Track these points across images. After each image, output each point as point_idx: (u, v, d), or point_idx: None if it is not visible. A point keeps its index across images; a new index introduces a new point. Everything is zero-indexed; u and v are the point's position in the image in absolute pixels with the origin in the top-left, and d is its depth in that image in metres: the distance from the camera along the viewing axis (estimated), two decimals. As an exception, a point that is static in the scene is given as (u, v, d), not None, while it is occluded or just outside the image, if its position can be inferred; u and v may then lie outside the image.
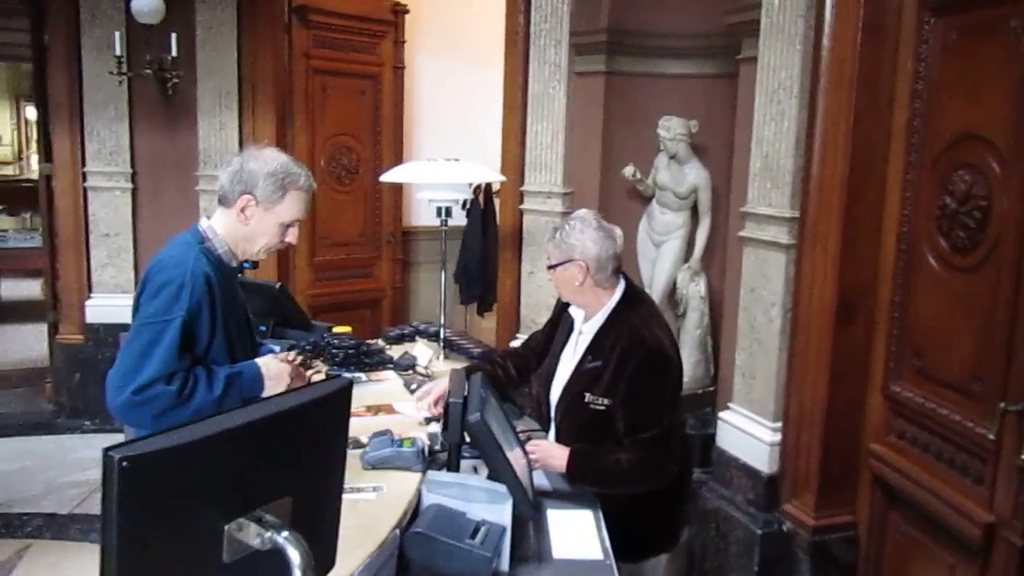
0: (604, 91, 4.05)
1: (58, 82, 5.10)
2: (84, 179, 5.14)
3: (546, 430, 2.58)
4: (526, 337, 3.00)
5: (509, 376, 2.70)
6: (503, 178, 3.77)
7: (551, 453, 2.32)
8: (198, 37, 4.98)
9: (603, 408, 2.30)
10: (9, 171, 13.03)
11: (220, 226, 2.08)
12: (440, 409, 2.44)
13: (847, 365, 2.95)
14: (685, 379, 3.83)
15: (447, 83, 6.14)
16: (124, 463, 0.94)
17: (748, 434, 3.28)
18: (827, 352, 2.96)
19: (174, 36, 4.80)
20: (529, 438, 2.72)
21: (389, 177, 3.23)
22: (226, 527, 1.07)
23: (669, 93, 3.99)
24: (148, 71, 4.86)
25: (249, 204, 2.03)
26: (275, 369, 2.09)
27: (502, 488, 1.98)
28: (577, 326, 2.47)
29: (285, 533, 1.10)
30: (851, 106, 2.83)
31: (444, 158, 3.09)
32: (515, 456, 2.10)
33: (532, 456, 2.29)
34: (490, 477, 2.09)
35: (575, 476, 2.29)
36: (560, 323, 2.57)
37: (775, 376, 3.17)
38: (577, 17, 4.07)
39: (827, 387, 2.97)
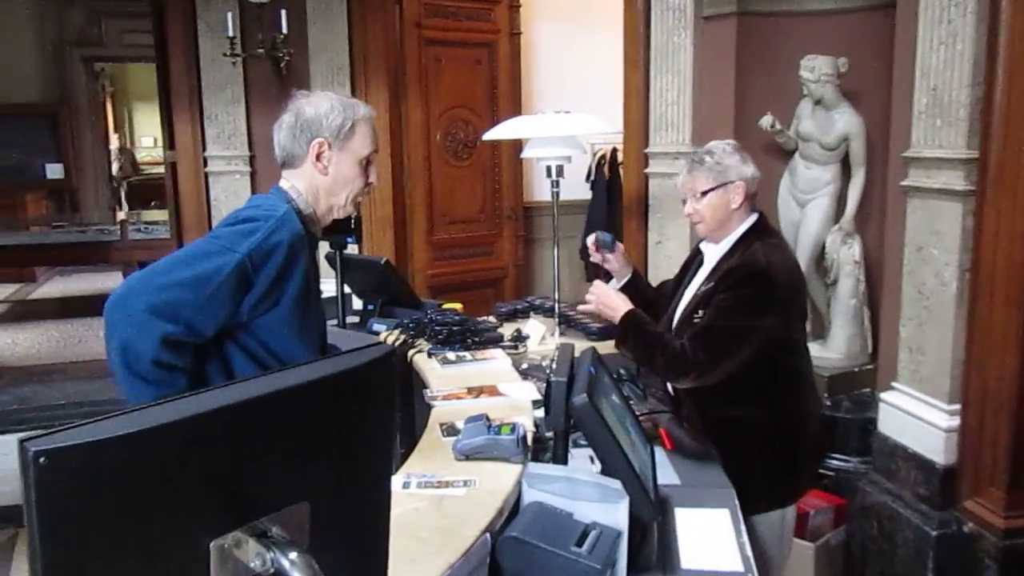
0: (736, 35, 3.60)
1: (178, 69, 5.09)
2: (205, 164, 5.12)
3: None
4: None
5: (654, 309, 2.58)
6: (619, 130, 3.41)
7: (611, 300, 2.35)
8: (308, 13, 4.86)
9: (699, 320, 2.21)
10: (161, 170, 13.66)
11: (300, 186, 1.83)
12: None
13: (1045, 335, 2.44)
14: (839, 355, 3.43)
15: (567, 48, 5.78)
16: (42, 460, 0.67)
17: (918, 418, 2.80)
18: (1018, 320, 2.46)
19: (284, 13, 4.69)
20: (655, 424, 2.39)
21: (492, 135, 2.93)
22: (212, 544, 0.80)
23: (811, 33, 3.50)
24: (261, 51, 4.78)
25: (323, 148, 1.80)
26: None
27: (617, 484, 1.65)
28: (707, 260, 2.37)
29: (293, 554, 0.81)
30: (1045, 17, 2.31)
31: (554, 111, 2.75)
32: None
33: (590, 298, 2.38)
34: (604, 472, 1.76)
35: (625, 324, 2.31)
36: (690, 265, 2.47)
37: (950, 350, 2.68)
38: (703, -46, 3.65)
39: (1019, 362, 2.47)
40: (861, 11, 3.40)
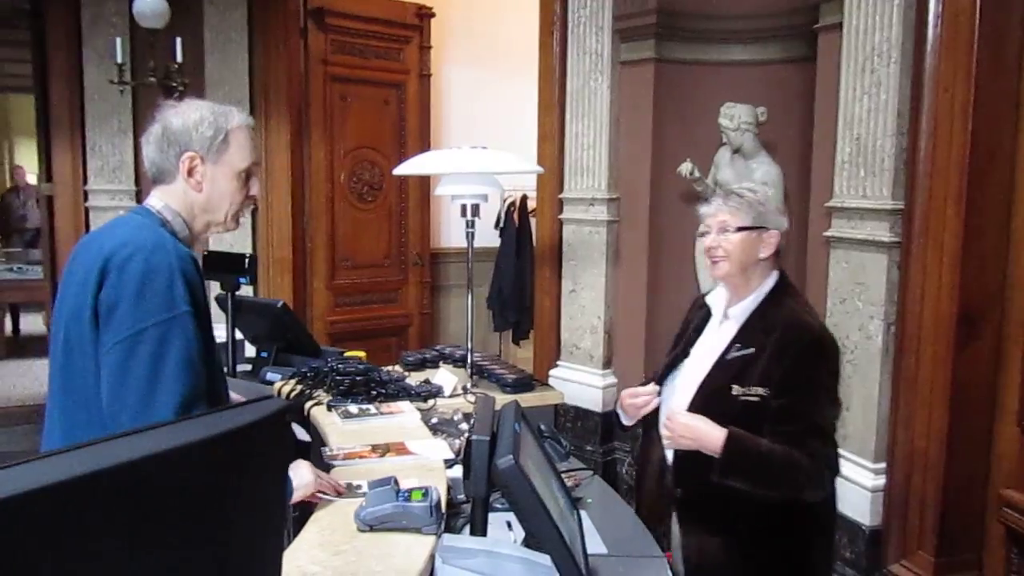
0: (654, 81, 3.55)
1: (59, 95, 4.72)
2: (86, 198, 4.74)
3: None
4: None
5: None
6: (539, 169, 3.25)
7: (701, 428, 1.88)
8: (206, 42, 4.60)
9: (756, 400, 1.90)
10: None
11: (174, 204, 1.66)
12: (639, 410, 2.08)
13: (972, 391, 2.39)
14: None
15: (478, 91, 5.66)
16: None
17: (842, 477, 2.67)
18: (945, 375, 2.39)
19: (179, 41, 4.40)
20: (577, 484, 2.21)
21: (405, 169, 2.73)
22: None
23: (729, 82, 3.47)
24: (152, 79, 4.46)
25: (195, 163, 1.63)
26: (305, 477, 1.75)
27: (544, 559, 1.45)
28: (718, 313, 2.08)
29: None
30: (970, 69, 2.30)
31: (470, 146, 2.58)
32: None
33: (676, 429, 1.91)
34: (527, 542, 1.55)
35: (729, 461, 1.85)
36: (690, 322, 2.17)
37: (875, 406, 2.60)
38: (621, -1, 3.59)
39: (946, 419, 2.40)
40: (779, 63, 3.39)
